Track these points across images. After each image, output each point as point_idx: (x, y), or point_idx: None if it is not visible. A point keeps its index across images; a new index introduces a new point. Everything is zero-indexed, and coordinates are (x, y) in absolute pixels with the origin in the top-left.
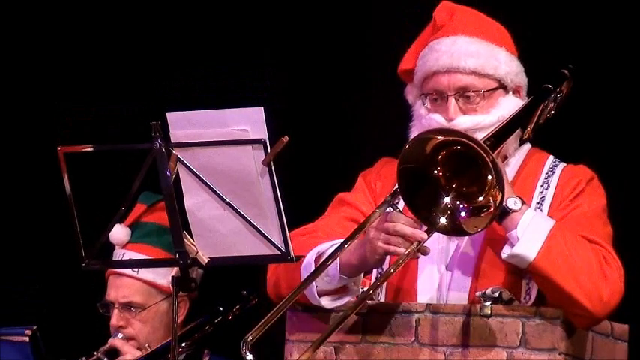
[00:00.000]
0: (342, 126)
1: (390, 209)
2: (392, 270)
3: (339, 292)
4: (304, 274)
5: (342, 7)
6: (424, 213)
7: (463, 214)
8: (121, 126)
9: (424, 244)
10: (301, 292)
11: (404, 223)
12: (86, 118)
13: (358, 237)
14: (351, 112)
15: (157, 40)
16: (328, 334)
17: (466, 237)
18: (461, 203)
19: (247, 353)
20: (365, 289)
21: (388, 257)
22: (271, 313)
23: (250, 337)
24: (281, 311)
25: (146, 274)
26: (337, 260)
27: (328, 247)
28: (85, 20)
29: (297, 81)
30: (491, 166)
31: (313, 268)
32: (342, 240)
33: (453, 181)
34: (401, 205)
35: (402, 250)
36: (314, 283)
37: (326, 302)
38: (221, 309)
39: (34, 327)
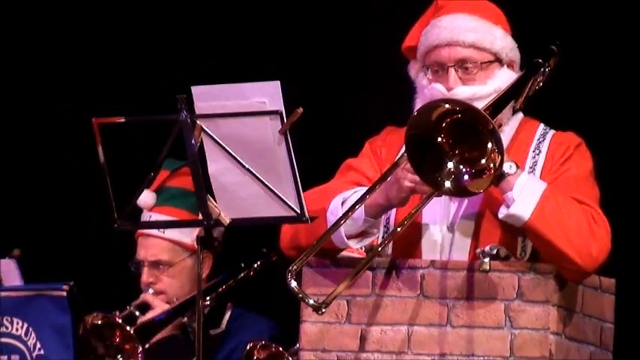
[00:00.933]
0: (350, 96)
1: None
2: (398, 229)
3: (359, 236)
4: (331, 218)
5: None
6: (430, 177)
7: (466, 177)
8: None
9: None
10: (335, 230)
11: None
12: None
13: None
14: (356, 86)
15: (156, 40)
16: (345, 285)
17: (465, 200)
18: (464, 167)
19: (292, 280)
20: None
21: (394, 214)
22: (312, 248)
23: (295, 267)
24: (318, 246)
25: (171, 233)
26: (362, 205)
27: (351, 194)
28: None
29: (310, 59)
30: (491, 132)
31: (340, 211)
32: (363, 188)
33: (456, 147)
34: None
35: (426, 188)
36: (342, 227)
37: (352, 243)
38: (243, 265)
39: (71, 283)
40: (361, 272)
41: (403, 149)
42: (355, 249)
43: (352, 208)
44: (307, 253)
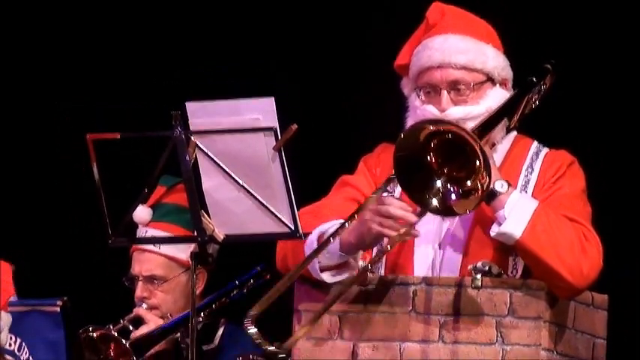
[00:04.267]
0: (345, 114)
1: (385, 193)
2: (388, 247)
3: (339, 267)
4: (308, 252)
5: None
6: (418, 196)
7: (453, 196)
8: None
9: (415, 228)
10: (304, 268)
11: (396, 206)
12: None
13: (357, 218)
14: (353, 102)
15: (156, 40)
16: (329, 305)
17: (457, 218)
18: (451, 187)
19: (251, 327)
20: (365, 263)
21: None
22: (271, 291)
23: (253, 312)
24: (280, 289)
25: (167, 249)
26: (338, 239)
27: (329, 227)
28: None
29: (304, 75)
30: (478, 152)
31: (315, 246)
32: (342, 220)
33: (445, 167)
34: (397, 190)
35: (393, 232)
36: (317, 259)
37: (326, 277)
38: (237, 283)
39: (65, 298)
40: (345, 291)
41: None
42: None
43: (325, 244)
44: (267, 298)
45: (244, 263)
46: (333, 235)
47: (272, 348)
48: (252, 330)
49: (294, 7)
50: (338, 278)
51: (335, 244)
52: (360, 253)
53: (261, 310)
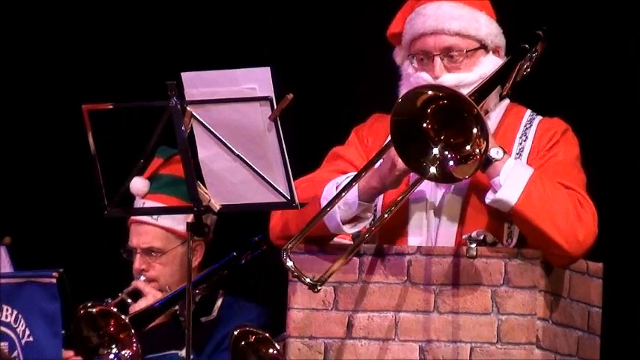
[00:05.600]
0: (338, 84)
1: None
2: (385, 215)
3: (353, 221)
4: (324, 203)
5: None
6: (415, 163)
7: (451, 163)
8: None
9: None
10: (329, 210)
11: None
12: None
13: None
14: (346, 73)
15: (147, 25)
16: (341, 263)
17: (452, 186)
18: (449, 153)
19: (287, 260)
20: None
21: (381, 200)
22: (306, 225)
23: (290, 246)
24: (312, 225)
25: (164, 221)
26: (355, 189)
27: (344, 179)
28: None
29: (300, 45)
30: (476, 118)
31: (334, 195)
32: (355, 172)
33: (441, 133)
34: None
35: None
36: (336, 211)
37: (347, 228)
38: (235, 254)
39: (61, 270)
40: (354, 252)
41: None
42: (344, 235)
43: (346, 189)
44: (303, 231)
45: (243, 234)
46: (354, 179)
47: (309, 280)
48: (290, 263)
49: None
50: (357, 229)
51: (353, 194)
52: (373, 204)
53: (296, 244)
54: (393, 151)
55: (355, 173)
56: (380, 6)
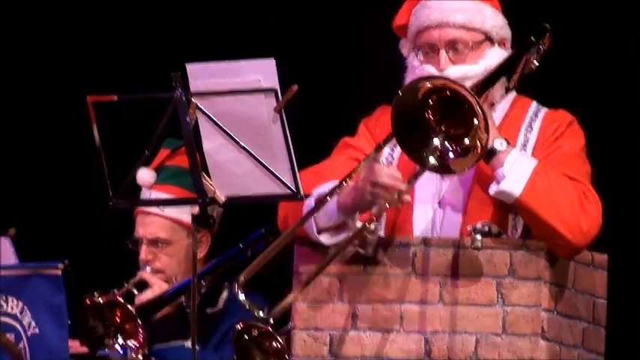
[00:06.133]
0: (342, 76)
1: (383, 158)
2: (383, 212)
3: (337, 228)
4: (305, 211)
5: None
6: (416, 154)
7: (451, 154)
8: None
9: (407, 193)
10: (297, 230)
11: (385, 175)
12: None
13: (353, 179)
14: (350, 65)
15: (152, 18)
16: (322, 267)
17: (456, 177)
18: (450, 144)
19: (239, 293)
20: (362, 223)
21: None
22: (262, 256)
23: (242, 278)
24: (268, 254)
25: (171, 212)
26: (335, 200)
27: (327, 188)
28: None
29: (305, 36)
30: (477, 110)
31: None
32: (338, 181)
33: (443, 124)
34: (397, 150)
35: (383, 201)
36: (314, 221)
37: (324, 238)
38: (241, 245)
39: (66, 261)
40: (339, 254)
41: None
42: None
43: (320, 205)
44: (257, 263)
45: (249, 226)
46: (330, 193)
47: (261, 314)
48: (241, 296)
49: None
50: (336, 239)
51: (333, 205)
52: (358, 214)
53: (251, 276)
54: (360, 182)
55: (337, 182)
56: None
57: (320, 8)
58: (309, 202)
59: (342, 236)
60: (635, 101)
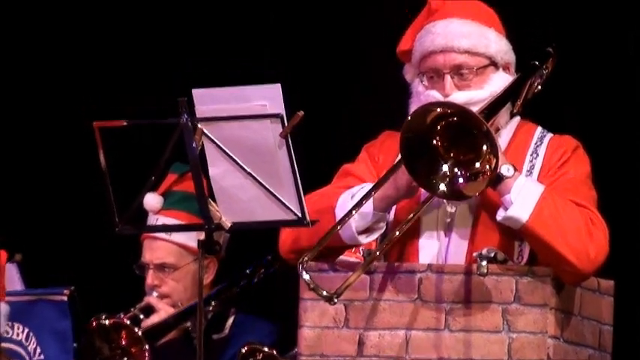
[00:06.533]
0: (349, 102)
1: None
2: (397, 233)
3: (366, 231)
4: (339, 213)
5: None
6: (425, 180)
7: (461, 180)
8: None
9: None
10: (344, 222)
11: None
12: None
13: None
14: (357, 91)
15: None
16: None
17: (462, 204)
18: (459, 170)
19: (304, 272)
20: (372, 250)
21: (392, 220)
22: (324, 236)
23: (306, 258)
24: (330, 235)
25: (178, 237)
26: (370, 200)
27: (358, 189)
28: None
29: (310, 64)
30: (486, 135)
31: (350, 204)
32: (369, 184)
33: (451, 150)
34: None
35: None
36: (351, 222)
37: (362, 238)
38: (247, 272)
39: (72, 287)
40: (367, 266)
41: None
42: (353, 253)
43: (365, 198)
44: (320, 242)
45: (255, 252)
46: (374, 188)
47: (325, 292)
48: (306, 276)
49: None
50: (371, 238)
51: (367, 204)
52: (387, 215)
53: (313, 257)
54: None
55: (370, 184)
56: (390, 21)
57: (324, 35)
58: (344, 200)
59: (375, 236)
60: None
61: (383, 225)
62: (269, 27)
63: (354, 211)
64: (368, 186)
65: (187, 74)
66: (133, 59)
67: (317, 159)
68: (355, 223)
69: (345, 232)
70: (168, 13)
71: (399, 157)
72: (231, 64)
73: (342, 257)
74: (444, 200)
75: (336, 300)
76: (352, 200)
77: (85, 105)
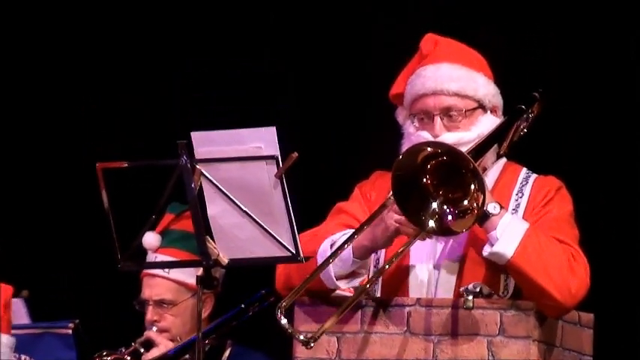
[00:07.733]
0: (341, 142)
1: None
2: (386, 266)
3: (349, 276)
4: (320, 260)
5: (344, 35)
6: (415, 217)
7: (449, 217)
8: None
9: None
10: (323, 269)
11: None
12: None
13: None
14: (349, 131)
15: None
16: (333, 321)
17: (451, 241)
18: (447, 207)
19: (282, 317)
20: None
21: (383, 254)
22: (299, 286)
23: (284, 304)
24: (306, 284)
25: (176, 274)
26: (350, 247)
27: (339, 236)
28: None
29: (305, 105)
30: (474, 174)
31: (329, 253)
32: (352, 230)
33: (440, 188)
34: None
35: (410, 230)
36: (330, 269)
37: (341, 284)
38: (243, 306)
39: (77, 320)
40: (349, 308)
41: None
42: (346, 288)
43: (340, 248)
44: (295, 291)
45: (251, 287)
46: (349, 239)
47: (302, 337)
48: (284, 320)
49: (296, 35)
50: (351, 284)
51: (347, 251)
52: (368, 261)
53: (290, 302)
54: (385, 212)
55: (351, 231)
56: (384, 65)
57: (320, 75)
58: (324, 249)
59: (355, 282)
60: (621, 168)
61: (365, 271)
62: (269, 27)
63: (331, 260)
64: (350, 232)
65: (187, 74)
66: (133, 59)
67: (311, 198)
68: (335, 269)
69: (326, 277)
70: (168, 13)
71: (389, 194)
72: (231, 64)
73: (336, 291)
74: (433, 236)
75: (312, 344)
76: (332, 248)
77: (89, 146)
